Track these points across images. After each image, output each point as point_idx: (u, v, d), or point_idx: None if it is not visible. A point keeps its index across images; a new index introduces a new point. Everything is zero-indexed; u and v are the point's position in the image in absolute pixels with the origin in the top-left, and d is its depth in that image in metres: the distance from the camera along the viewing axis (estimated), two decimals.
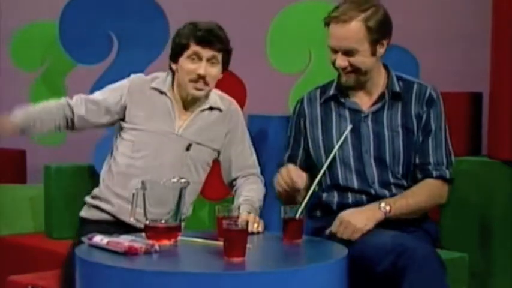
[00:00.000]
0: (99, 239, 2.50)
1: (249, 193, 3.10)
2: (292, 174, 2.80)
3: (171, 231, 2.56)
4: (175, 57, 3.11)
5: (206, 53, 3.05)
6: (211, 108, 3.18)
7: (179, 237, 2.59)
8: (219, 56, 3.09)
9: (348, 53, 2.88)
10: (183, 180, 2.65)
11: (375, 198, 2.86)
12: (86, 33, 4.34)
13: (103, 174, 3.21)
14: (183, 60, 3.08)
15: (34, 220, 4.60)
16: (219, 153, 3.23)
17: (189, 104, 3.15)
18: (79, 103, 3.14)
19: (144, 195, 2.60)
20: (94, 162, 4.34)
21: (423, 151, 2.92)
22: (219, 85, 3.19)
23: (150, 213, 2.57)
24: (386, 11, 2.93)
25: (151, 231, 2.56)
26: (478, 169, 3.93)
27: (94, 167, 4.30)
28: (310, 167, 2.99)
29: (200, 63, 3.05)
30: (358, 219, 2.71)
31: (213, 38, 3.06)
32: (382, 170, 2.92)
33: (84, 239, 2.56)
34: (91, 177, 4.34)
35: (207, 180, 3.25)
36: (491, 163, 3.90)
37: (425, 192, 2.89)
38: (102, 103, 3.14)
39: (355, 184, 2.92)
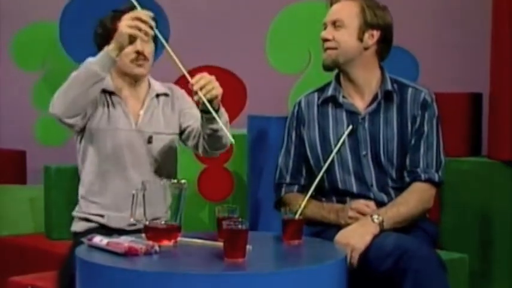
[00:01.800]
0: (99, 239, 2.50)
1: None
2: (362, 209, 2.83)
3: (171, 231, 2.56)
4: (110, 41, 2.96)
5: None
6: (157, 95, 3.19)
7: (179, 238, 2.58)
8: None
9: (335, 24, 2.92)
10: (182, 181, 2.65)
11: (374, 202, 2.86)
12: (86, 34, 4.34)
13: (80, 189, 3.19)
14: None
15: (34, 221, 4.60)
16: (180, 134, 3.21)
17: (136, 95, 3.16)
18: None
19: (143, 196, 2.60)
20: None
21: (414, 153, 2.92)
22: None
23: (149, 214, 2.57)
24: (391, 17, 2.96)
25: (151, 231, 2.56)
26: (478, 170, 3.93)
27: None
28: (301, 174, 3.01)
29: (136, 42, 2.96)
30: (355, 239, 2.68)
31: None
32: (380, 173, 2.92)
33: (84, 239, 2.56)
34: None
35: (206, 181, 3.24)
36: (491, 163, 3.91)
37: (415, 198, 2.88)
38: None
39: (354, 188, 2.92)
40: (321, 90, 3.05)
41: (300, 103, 3.07)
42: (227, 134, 2.88)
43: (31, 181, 5.34)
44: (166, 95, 3.21)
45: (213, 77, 2.83)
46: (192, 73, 3.05)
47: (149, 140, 3.13)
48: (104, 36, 3.08)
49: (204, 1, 5.48)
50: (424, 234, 2.90)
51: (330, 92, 3.00)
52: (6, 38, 5.33)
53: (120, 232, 2.87)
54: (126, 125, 3.12)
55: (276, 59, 4.31)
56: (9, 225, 4.59)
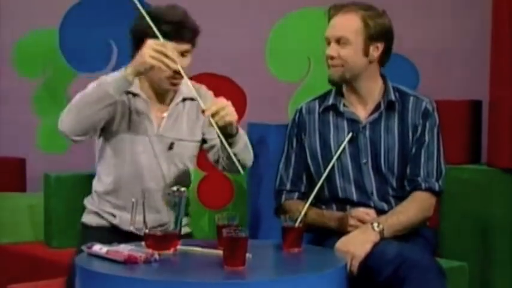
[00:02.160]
0: (99, 247, 2.50)
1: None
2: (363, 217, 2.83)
3: (171, 239, 2.56)
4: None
5: (178, 48, 2.92)
6: (184, 100, 3.09)
7: (179, 246, 2.58)
8: (190, 46, 2.98)
9: (340, 41, 2.89)
10: (182, 189, 2.65)
11: (374, 210, 2.86)
12: (86, 41, 4.35)
13: (95, 183, 3.18)
14: None
15: (34, 229, 4.59)
16: (202, 142, 3.13)
17: (162, 98, 3.06)
18: None
19: (143, 203, 2.60)
20: (94, 171, 4.33)
21: (415, 162, 2.92)
22: (219, 92, 3.15)
23: (155, 220, 2.58)
24: (390, 21, 2.94)
25: (151, 239, 2.56)
26: (478, 177, 3.93)
27: (94, 176, 4.29)
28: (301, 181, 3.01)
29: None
30: (355, 246, 2.68)
31: (183, 30, 2.92)
32: (380, 181, 2.92)
33: (83, 247, 2.56)
34: (91, 186, 4.33)
35: (206, 189, 3.24)
36: (490, 171, 3.90)
37: (415, 207, 2.88)
38: None
39: (355, 196, 2.92)
40: (322, 98, 3.05)
41: (301, 110, 3.07)
42: (237, 164, 2.81)
43: (31, 189, 5.34)
44: (193, 99, 3.07)
45: (228, 103, 2.77)
46: (194, 79, 3.05)
47: (170, 146, 3.06)
48: (136, 43, 2.95)
49: (204, 9, 5.49)
50: (424, 242, 2.90)
51: (330, 100, 3.00)
52: (7, 45, 5.33)
53: (130, 236, 2.83)
54: (148, 130, 3.03)
55: (275, 67, 4.32)
56: (9, 232, 4.58)
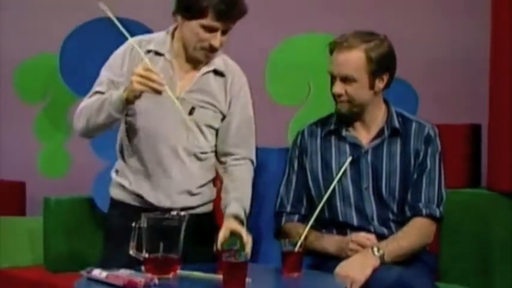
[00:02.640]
0: (98, 272, 2.50)
1: (238, 191, 3.01)
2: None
3: (171, 264, 2.55)
4: (185, 14, 2.90)
5: (223, 26, 2.89)
6: (215, 72, 3.03)
7: (178, 271, 2.58)
8: (233, 24, 2.93)
9: (346, 80, 2.89)
10: (182, 213, 2.65)
11: (374, 235, 2.86)
12: (86, 66, 4.36)
13: (118, 146, 3.13)
14: (195, 24, 2.89)
15: (33, 253, 4.58)
16: (223, 117, 3.05)
17: (191, 62, 3.01)
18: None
19: (146, 228, 2.59)
20: (94, 194, 4.33)
21: (416, 188, 2.92)
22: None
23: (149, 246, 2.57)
24: (392, 46, 2.94)
25: (151, 264, 2.55)
26: (477, 201, 3.92)
27: (94, 200, 4.29)
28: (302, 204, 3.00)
29: (215, 34, 2.89)
30: (355, 271, 2.68)
31: (234, 12, 2.88)
32: (381, 206, 2.92)
33: (83, 272, 2.55)
34: (91, 209, 4.33)
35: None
36: (490, 195, 3.90)
37: (416, 233, 2.88)
38: (105, 81, 3.03)
39: (355, 220, 2.92)
40: (324, 121, 3.05)
41: (303, 133, 3.08)
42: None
43: (31, 212, 5.33)
44: (222, 75, 3.03)
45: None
46: None
47: (190, 111, 2.98)
48: (185, 5, 2.91)
49: None
50: (423, 266, 2.90)
51: (333, 125, 3.00)
52: (8, 70, 5.34)
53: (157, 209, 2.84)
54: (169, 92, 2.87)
55: (275, 91, 4.32)
56: (8, 256, 4.57)
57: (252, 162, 3.12)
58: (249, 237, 2.83)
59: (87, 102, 2.98)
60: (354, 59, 2.88)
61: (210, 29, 2.89)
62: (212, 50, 2.94)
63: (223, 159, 3.09)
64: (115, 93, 2.90)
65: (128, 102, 2.85)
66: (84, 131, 2.98)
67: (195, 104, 2.99)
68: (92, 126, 2.94)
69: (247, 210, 2.99)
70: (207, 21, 2.87)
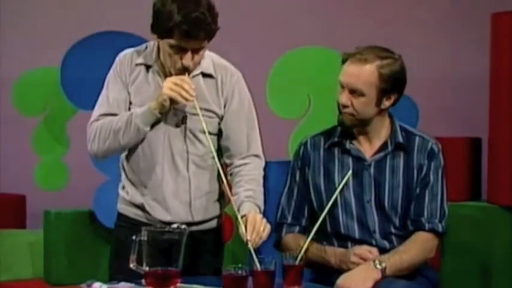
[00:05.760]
0: (99, 285, 2.50)
1: (251, 186, 3.03)
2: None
3: (171, 277, 2.55)
4: (156, 33, 2.87)
5: (191, 45, 2.84)
6: (203, 74, 2.98)
7: (179, 284, 2.57)
8: (205, 42, 2.87)
9: (354, 93, 2.88)
10: (182, 227, 2.64)
11: (376, 248, 2.86)
12: (87, 79, 4.37)
13: (120, 160, 3.11)
14: (166, 44, 2.86)
15: (33, 266, 4.59)
16: (220, 119, 3.00)
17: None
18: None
19: (146, 241, 2.58)
20: (94, 207, 4.34)
21: (418, 202, 2.92)
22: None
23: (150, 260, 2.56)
24: (404, 67, 2.91)
25: (151, 277, 2.55)
26: (478, 214, 3.93)
27: (94, 213, 4.30)
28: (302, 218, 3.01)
29: (185, 54, 2.85)
30: (357, 284, 2.68)
31: (199, 31, 2.82)
32: (383, 220, 2.91)
33: (83, 285, 2.55)
34: (91, 222, 4.33)
35: None
36: (490, 208, 3.90)
37: (418, 247, 2.87)
38: (112, 101, 3.00)
39: (357, 233, 2.91)
40: (328, 133, 3.03)
41: (306, 144, 3.06)
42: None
43: (31, 225, 5.33)
44: (211, 76, 2.98)
45: (259, 220, 2.84)
46: None
47: (183, 120, 2.96)
48: (154, 22, 2.87)
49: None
50: (425, 281, 2.89)
51: (336, 138, 3.00)
52: (7, 83, 5.35)
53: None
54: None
55: (276, 104, 4.33)
56: (8, 270, 4.57)
57: (259, 156, 3.11)
58: (267, 226, 2.83)
59: (103, 123, 2.94)
60: (366, 73, 2.86)
61: (179, 49, 2.86)
62: (185, 70, 2.90)
63: (228, 160, 3.06)
64: (138, 109, 2.91)
65: (159, 109, 2.86)
66: (102, 152, 2.96)
67: (188, 112, 2.95)
68: (113, 147, 2.93)
69: (262, 207, 2.98)
70: (174, 41, 2.83)
